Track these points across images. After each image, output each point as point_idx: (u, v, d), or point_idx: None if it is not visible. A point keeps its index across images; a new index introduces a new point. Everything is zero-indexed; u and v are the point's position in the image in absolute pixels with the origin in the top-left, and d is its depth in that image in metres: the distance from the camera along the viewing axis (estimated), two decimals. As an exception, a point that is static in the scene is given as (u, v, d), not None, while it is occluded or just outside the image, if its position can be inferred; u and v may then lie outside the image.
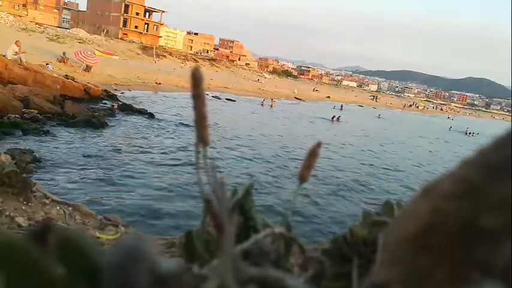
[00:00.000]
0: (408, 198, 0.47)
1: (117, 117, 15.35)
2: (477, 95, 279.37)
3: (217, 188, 0.50)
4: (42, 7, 77.43)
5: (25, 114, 11.64)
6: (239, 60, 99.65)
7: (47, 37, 37.11)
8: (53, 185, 7.23)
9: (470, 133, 41.58)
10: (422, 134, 33.28)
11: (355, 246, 0.65)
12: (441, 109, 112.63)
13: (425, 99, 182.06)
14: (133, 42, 56.40)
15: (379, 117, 42.89)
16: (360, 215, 0.71)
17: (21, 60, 16.36)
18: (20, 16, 56.53)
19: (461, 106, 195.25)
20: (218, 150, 12.87)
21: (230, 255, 0.43)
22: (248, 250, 0.53)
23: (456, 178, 0.37)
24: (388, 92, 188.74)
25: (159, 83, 30.43)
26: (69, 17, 77.96)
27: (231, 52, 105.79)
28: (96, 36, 48.59)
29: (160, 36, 79.27)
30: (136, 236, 0.32)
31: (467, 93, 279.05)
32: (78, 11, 79.43)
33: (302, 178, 0.64)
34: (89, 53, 28.32)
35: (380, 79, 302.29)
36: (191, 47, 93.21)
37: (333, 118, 31.08)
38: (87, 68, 25.92)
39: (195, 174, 0.50)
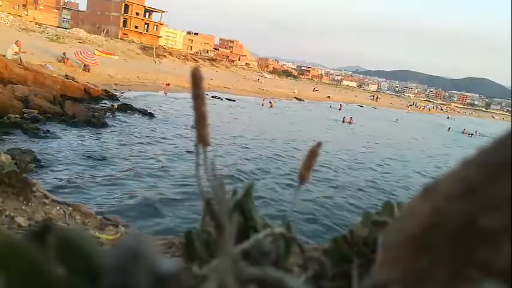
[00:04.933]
0: (408, 199, 0.47)
1: (117, 117, 15.36)
2: (477, 95, 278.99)
3: (217, 188, 0.50)
4: (42, 7, 77.39)
5: (25, 114, 11.65)
6: (239, 60, 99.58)
7: (47, 37, 37.04)
8: (53, 185, 7.23)
9: (470, 134, 43.04)
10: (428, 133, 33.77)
11: (355, 246, 0.65)
12: (441, 109, 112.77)
13: (425, 99, 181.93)
14: (133, 42, 56.33)
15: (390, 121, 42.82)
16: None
17: (21, 60, 16.35)
18: (20, 16, 56.49)
19: (461, 106, 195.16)
20: (218, 150, 12.86)
21: (230, 255, 0.43)
22: (248, 250, 0.53)
23: (456, 178, 0.37)
24: (388, 92, 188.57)
25: (168, 84, 30.35)
26: (69, 17, 77.93)
27: (231, 52, 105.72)
28: (96, 36, 48.53)
29: (160, 36, 79.24)
30: (136, 236, 0.32)
31: (467, 93, 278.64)
32: (78, 11, 79.40)
33: (302, 178, 0.64)
34: (89, 53, 28.31)
35: (380, 79, 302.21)
36: (191, 47, 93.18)
37: (349, 121, 30.85)
38: (85, 67, 25.91)
39: (195, 174, 0.50)
